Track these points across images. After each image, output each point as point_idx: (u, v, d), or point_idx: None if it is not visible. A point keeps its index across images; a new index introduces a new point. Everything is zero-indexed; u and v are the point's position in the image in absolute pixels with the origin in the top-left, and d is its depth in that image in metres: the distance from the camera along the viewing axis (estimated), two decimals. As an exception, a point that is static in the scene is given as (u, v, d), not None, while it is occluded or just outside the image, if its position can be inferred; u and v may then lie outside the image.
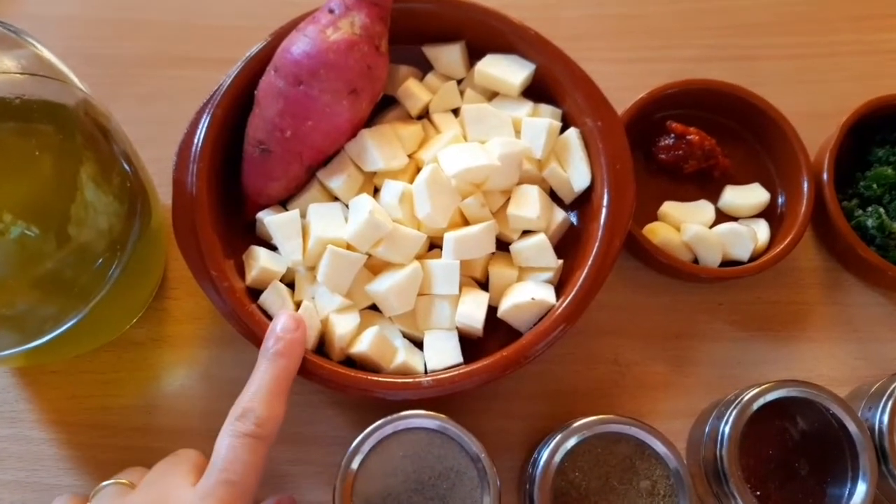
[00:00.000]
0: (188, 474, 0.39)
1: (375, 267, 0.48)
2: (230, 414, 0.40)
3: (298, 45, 0.46)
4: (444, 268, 0.47)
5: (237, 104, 0.49)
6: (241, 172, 0.50)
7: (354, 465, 0.42)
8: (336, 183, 0.49)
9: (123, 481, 0.41)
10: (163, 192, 0.50)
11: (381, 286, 0.46)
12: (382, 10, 0.47)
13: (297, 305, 0.47)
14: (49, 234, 0.40)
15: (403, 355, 0.46)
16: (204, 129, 0.47)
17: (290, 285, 0.49)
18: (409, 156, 0.50)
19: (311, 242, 0.47)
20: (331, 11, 0.46)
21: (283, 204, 0.50)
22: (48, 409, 0.51)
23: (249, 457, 0.39)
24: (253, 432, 0.39)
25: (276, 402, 0.41)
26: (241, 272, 0.49)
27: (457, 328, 0.48)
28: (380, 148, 0.48)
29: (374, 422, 0.43)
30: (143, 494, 0.39)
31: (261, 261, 0.48)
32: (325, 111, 0.46)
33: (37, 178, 0.40)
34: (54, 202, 0.40)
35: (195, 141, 0.47)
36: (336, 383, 0.44)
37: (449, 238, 0.47)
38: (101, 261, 0.43)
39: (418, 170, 0.49)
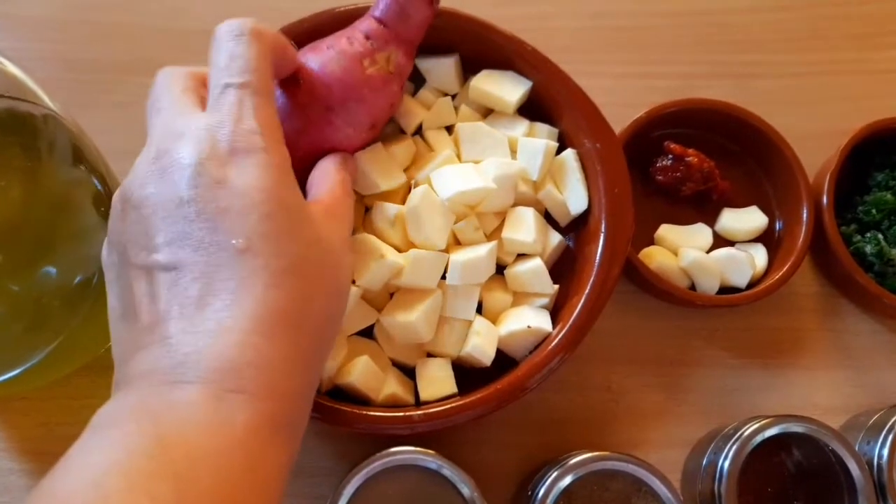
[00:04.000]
0: (185, 101, 0.35)
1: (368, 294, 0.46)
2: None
3: (331, 66, 0.42)
4: (462, 291, 0.45)
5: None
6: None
7: (342, 502, 0.40)
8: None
9: None
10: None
11: (411, 315, 0.44)
12: (410, 47, 0.45)
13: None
14: (18, 261, 0.38)
15: (393, 385, 0.45)
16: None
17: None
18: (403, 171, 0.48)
19: None
20: (367, 38, 0.43)
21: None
22: (18, 438, 0.48)
23: (249, 51, 0.34)
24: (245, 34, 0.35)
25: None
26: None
27: (455, 357, 0.46)
28: (377, 171, 0.46)
29: (360, 453, 0.41)
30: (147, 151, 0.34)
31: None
32: (343, 143, 0.44)
33: (4, 203, 0.38)
34: (23, 227, 0.38)
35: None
36: (324, 416, 0.42)
37: (456, 261, 0.45)
38: (76, 281, 0.41)
39: (409, 188, 0.47)
